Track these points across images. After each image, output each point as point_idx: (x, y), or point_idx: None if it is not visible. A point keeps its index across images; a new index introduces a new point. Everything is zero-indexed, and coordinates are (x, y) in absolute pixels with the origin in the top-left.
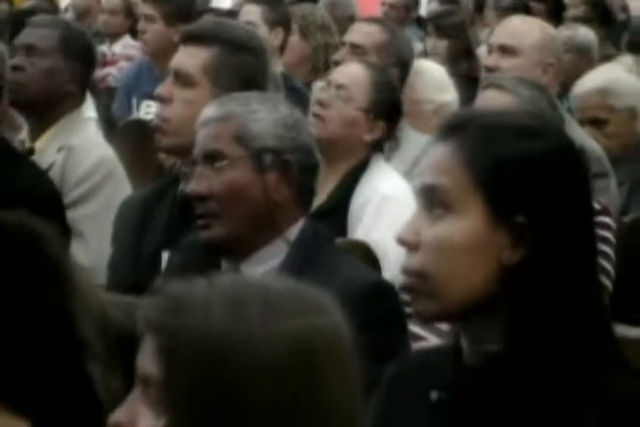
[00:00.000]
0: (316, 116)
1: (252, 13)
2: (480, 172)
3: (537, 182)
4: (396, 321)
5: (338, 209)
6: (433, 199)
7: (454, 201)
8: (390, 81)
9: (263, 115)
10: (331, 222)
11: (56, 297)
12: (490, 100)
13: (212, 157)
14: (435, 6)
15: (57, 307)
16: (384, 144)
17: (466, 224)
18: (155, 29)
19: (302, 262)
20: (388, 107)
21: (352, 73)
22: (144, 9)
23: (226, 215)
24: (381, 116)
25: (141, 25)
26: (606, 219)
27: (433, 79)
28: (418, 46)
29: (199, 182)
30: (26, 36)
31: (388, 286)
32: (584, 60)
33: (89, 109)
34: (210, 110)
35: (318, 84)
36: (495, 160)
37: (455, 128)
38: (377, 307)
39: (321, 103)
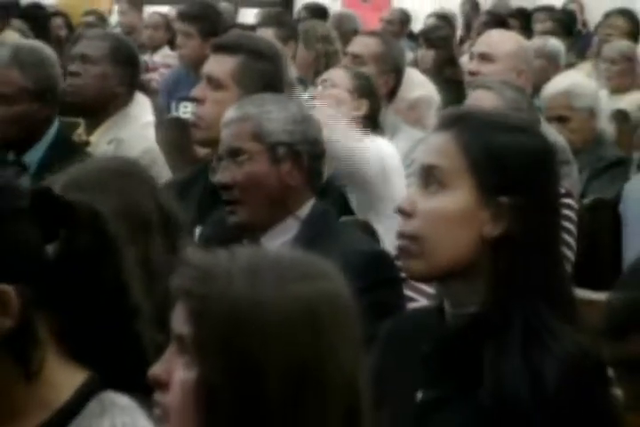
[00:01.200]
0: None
1: (267, 35)
2: (473, 157)
3: (520, 170)
4: (392, 286)
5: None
6: (430, 177)
7: (448, 179)
8: (364, 72)
9: (276, 114)
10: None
11: (112, 269)
12: (479, 98)
13: (234, 153)
14: (432, 21)
15: (112, 277)
16: (373, 123)
17: (456, 200)
18: (193, 45)
19: (311, 236)
20: (367, 88)
21: (334, 72)
22: (182, 27)
23: (247, 201)
24: (364, 96)
25: (180, 41)
26: (569, 200)
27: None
28: (409, 56)
29: (224, 174)
30: (81, 47)
31: (386, 255)
32: (552, 65)
33: (147, 114)
34: (230, 112)
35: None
36: (487, 149)
37: (454, 120)
38: (375, 272)
39: (314, 97)
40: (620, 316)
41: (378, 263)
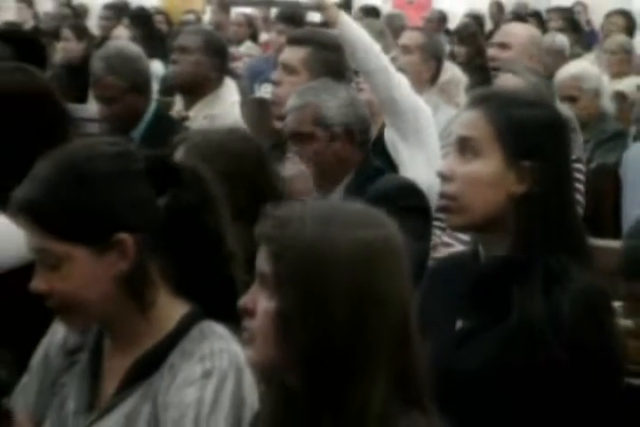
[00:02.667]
0: (359, 89)
1: (332, 31)
2: (499, 129)
3: (538, 138)
4: (416, 213)
5: (379, 144)
6: (465, 147)
7: (480, 149)
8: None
9: (330, 102)
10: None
11: (210, 222)
12: (506, 80)
13: (298, 136)
14: (466, 20)
15: (211, 229)
16: None
17: (488, 165)
18: None
19: (355, 184)
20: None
21: None
22: (280, 27)
23: (315, 173)
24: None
25: (277, 38)
26: (579, 165)
27: None
28: (446, 48)
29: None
30: (180, 40)
31: (415, 187)
32: (559, 58)
33: (234, 95)
34: (292, 101)
35: None
36: (510, 121)
37: (482, 99)
38: (404, 200)
39: (359, 82)
40: (634, 259)
41: (406, 193)
